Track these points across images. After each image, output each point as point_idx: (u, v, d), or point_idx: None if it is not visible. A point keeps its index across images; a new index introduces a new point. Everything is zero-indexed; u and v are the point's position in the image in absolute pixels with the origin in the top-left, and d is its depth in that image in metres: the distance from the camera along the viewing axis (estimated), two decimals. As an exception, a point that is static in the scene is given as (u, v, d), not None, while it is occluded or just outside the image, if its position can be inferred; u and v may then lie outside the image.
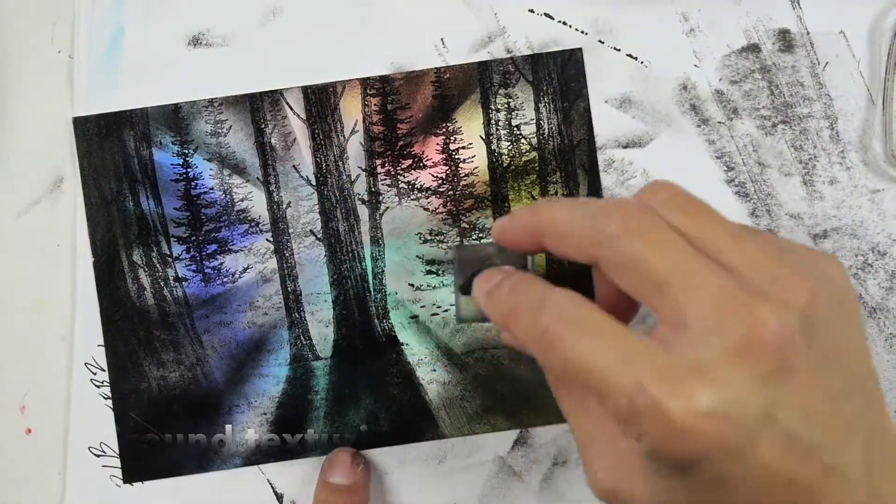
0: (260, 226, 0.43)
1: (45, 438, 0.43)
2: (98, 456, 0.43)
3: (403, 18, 0.43)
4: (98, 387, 0.43)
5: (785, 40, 0.42)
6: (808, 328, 0.28)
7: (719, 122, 0.43)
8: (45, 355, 0.43)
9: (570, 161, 0.42)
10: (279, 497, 0.43)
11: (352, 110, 0.43)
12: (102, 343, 0.43)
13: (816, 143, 0.42)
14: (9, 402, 0.43)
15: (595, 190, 0.42)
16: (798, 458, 0.27)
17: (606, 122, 0.43)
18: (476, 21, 0.43)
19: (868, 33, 0.42)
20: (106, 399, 0.43)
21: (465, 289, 0.34)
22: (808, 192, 0.42)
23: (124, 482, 0.42)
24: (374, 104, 0.43)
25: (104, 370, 0.43)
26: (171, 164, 0.43)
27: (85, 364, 0.43)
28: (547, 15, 0.43)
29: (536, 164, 0.43)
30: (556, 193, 0.42)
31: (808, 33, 0.42)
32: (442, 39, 0.43)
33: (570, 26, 0.43)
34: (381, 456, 0.43)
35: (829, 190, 0.42)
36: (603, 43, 0.43)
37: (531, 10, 0.43)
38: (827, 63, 0.42)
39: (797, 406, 0.27)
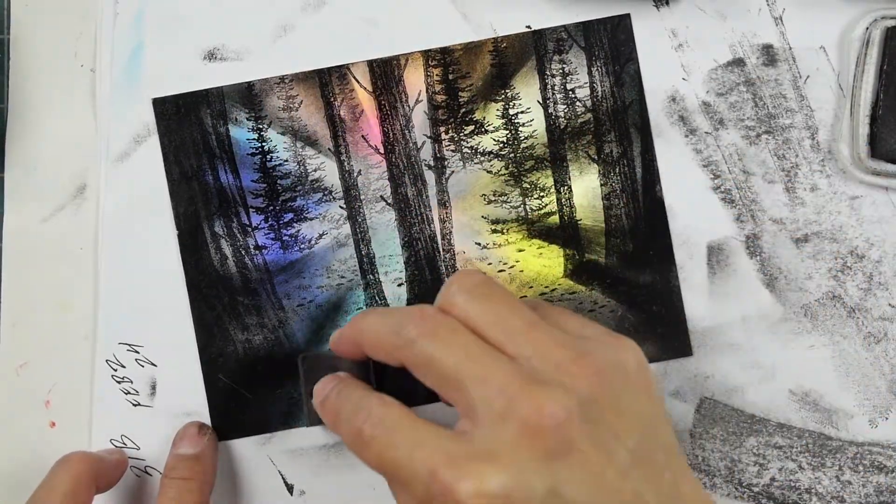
0: (333, 194, 0.45)
1: (68, 431, 0.44)
2: (120, 448, 0.44)
3: (408, 35, 0.45)
4: (119, 382, 0.44)
5: (768, 55, 0.44)
6: (590, 409, 0.30)
7: (706, 133, 0.44)
8: (68, 353, 0.44)
9: (623, 121, 0.45)
10: (290, 488, 0.44)
11: (415, 81, 0.45)
12: (123, 341, 0.44)
13: (798, 152, 0.44)
14: (35, 397, 0.45)
15: (648, 147, 0.45)
16: None
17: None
18: (475, 37, 0.45)
19: (838, 42, 0.44)
20: (126, 394, 0.44)
21: (311, 395, 0.37)
22: (790, 199, 0.44)
23: (219, 440, 0.44)
24: (436, 74, 0.45)
25: (124, 367, 0.44)
26: (247, 139, 0.45)
27: (106, 361, 0.44)
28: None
29: (592, 125, 0.45)
30: (611, 153, 0.45)
31: (790, 48, 0.44)
32: (442, 56, 0.45)
33: (564, 42, 0.45)
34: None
35: (810, 196, 0.44)
36: (595, 59, 0.45)
37: (528, 27, 0.45)
38: (808, 76, 0.44)
39: (581, 481, 0.29)
